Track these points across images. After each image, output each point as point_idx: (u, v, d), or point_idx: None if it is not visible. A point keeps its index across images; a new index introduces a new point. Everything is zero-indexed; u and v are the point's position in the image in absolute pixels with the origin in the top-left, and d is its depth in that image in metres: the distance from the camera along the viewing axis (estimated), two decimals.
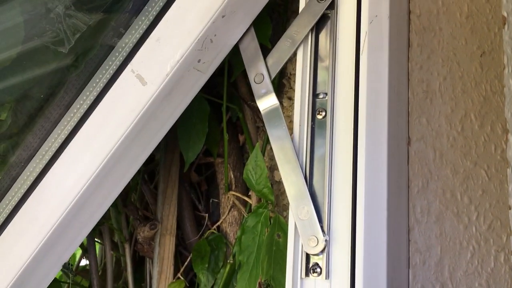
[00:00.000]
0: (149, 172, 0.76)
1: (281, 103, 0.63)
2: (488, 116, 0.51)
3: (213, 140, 0.65)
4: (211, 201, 0.70)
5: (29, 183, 0.49)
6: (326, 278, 0.41)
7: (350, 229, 0.41)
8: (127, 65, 0.45)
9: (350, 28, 0.44)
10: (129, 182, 0.50)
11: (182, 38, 0.45)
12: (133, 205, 0.69)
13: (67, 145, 0.48)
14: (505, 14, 0.54)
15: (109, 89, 0.46)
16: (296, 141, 0.45)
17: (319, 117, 0.45)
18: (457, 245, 0.47)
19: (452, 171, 0.48)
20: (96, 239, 0.75)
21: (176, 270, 0.67)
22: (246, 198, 0.60)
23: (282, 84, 0.63)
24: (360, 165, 0.42)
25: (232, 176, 0.64)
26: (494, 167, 0.50)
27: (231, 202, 0.63)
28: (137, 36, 0.45)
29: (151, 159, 0.74)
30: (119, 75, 0.46)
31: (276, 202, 0.56)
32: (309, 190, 0.44)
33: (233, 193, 0.62)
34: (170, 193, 0.65)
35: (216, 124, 0.66)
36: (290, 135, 0.46)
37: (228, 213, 0.64)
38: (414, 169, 0.47)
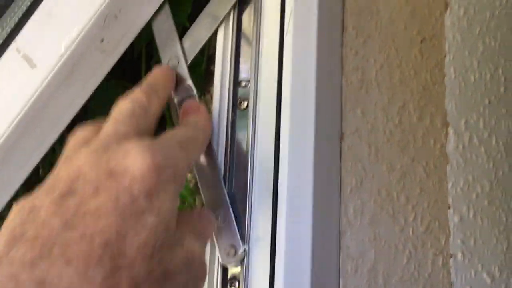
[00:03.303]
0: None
1: (209, 92, 0.57)
2: (428, 107, 0.47)
3: None
4: None
5: None
6: None
7: (270, 236, 0.36)
8: (10, 43, 0.38)
9: (274, 5, 0.38)
10: None
11: (80, 11, 0.38)
12: None
13: None
14: None
15: None
16: (215, 137, 0.39)
17: (241, 108, 0.40)
18: (393, 249, 0.43)
19: (388, 168, 0.44)
20: None
21: None
22: None
23: (210, 71, 0.57)
24: (282, 164, 0.37)
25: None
26: (433, 163, 0.47)
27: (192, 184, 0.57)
28: (23, 8, 0.38)
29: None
30: (1, 56, 0.38)
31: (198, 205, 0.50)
32: (228, 193, 0.38)
33: None
34: None
35: None
36: None
37: (190, 195, 0.57)
38: (347, 166, 0.42)
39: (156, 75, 0.37)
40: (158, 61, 0.54)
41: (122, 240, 0.22)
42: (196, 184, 0.53)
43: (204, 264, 0.28)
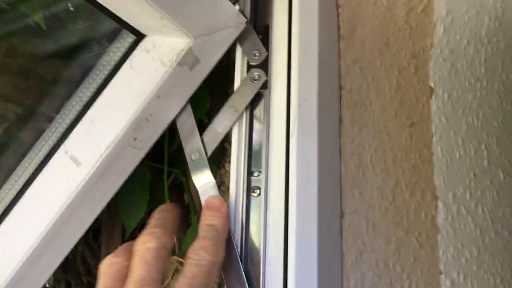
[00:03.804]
0: (93, 231, 0.74)
1: (224, 166, 0.64)
2: (418, 184, 0.54)
3: (157, 202, 0.64)
4: None
5: None
6: None
7: None
8: (60, 147, 0.45)
9: (281, 111, 0.45)
10: None
11: (116, 119, 0.45)
12: (74, 270, 0.67)
13: None
14: (433, 85, 0.57)
15: (41, 170, 0.46)
16: (232, 220, 0.46)
17: (254, 195, 0.46)
18: None
19: (384, 241, 0.50)
20: None
21: None
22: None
23: (224, 148, 0.64)
24: (290, 242, 0.43)
25: (175, 239, 0.64)
26: (425, 234, 0.53)
27: (174, 267, 0.62)
28: (70, 118, 0.45)
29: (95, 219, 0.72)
30: (52, 157, 0.45)
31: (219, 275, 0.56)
32: (243, 269, 0.44)
33: (176, 258, 0.62)
34: None
35: (161, 186, 0.66)
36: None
37: (171, 277, 0.63)
38: (348, 241, 0.48)
39: (167, 214, 0.44)
40: (179, 143, 0.61)
41: None
42: None
43: None
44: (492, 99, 0.61)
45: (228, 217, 0.44)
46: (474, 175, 0.57)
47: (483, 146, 0.59)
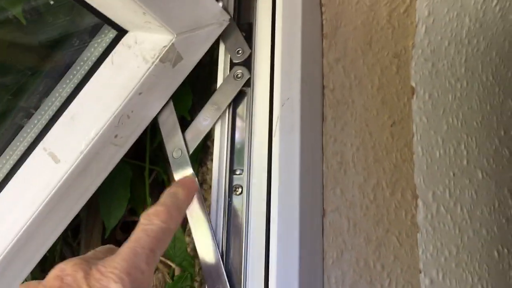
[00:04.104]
0: (72, 229, 0.73)
1: (205, 164, 0.64)
2: (399, 183, 0.54)
3: (138, 200, 0.64)
4: None
5: None
6: None
7: None
8: (38, 143, 0.44)
9: (263, 109, 0.45)
10: None
11: (97, 115, 0.44)
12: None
13: None
14: (414, 85, 0.58)
15: (19, 167, 0.45)
16: (214, 219, 0.46)
17: (236, 193, 0.46)
18: None
19: (365, 240, 0.50)
20: None
21: None
22: (170, 262, 0.59)
23: (206, 145, 0.63)
24: (272, 241, 0.43)
25: None
26: (405, 232, 0.53)
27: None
28: (49, 114, 0.44)
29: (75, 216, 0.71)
30: (30, 154, 0.44)
31: (200, 272, 0.56)
32: (225, 269, 0.44)
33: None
34: None
35: (142, 183, 0.65)
36: (208, 211, 0.46)
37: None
38: (329, 240, 0.49)
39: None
40: (161, 140, 0.61)
41: None
42: (195, 255, 0.59)
43: None
44: (471, 99, 0.62)
45: (193, 193, 0.43)
46: (454, 174, 0.58)
47: (462, 146, 0.60)
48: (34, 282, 0.33)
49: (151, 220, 0.36)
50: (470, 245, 0.57)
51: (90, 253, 0.37)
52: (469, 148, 0.60)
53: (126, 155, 0.57)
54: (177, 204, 0.40)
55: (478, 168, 0.61)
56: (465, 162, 0.60)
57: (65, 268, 0.31)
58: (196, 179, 0.46)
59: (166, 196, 0.40)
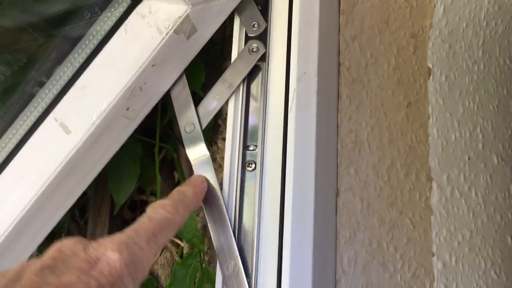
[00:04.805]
0: (80, 207, 0.73)
1: (216, 143, 0.63)
2: (413, 165, 0.53)
3: (147, 178, 0.63)
4: None
5: None
6: None
7: (276, 285, 0.41)
8: (49, 113, 0.43)
9: (279, 83, 0.44)
10: None
11: (109, 87, 0.44)
12: None
13: None
14: (430, 66, 0.57)
15: (30, 137, 0.44)
16: (226, 194, 0.45)
17: (249, 169, 0.45)
18: None
19: (378, 221, 0.50)
20: None
21: None
22: (178, 241, 0.59)
23: (217, 124, 0.62)
24: (286, 220, 0.42)
25: None
26: (418, 215, 0.52)
27: None
28: (61, 84, 0.43)
29: (83, 194, 0.71)
30: (41, 124, 0.44)
31: (209, 251, 0.55)
32: (237, 245, 0.43)
33: None
34: (100, 234, 0.63)
35: (151, 162, 0.64)
36: (220, 187, 0.45)
37: (160, 255, 0.62)
38: (342, 220, 0.48)
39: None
40: (172, 116, 0.60)
41: None
42: (207, 233, 0.59)
43: None
44: (488, 83, 0.61)
45: (202, 194, 0.43)
46: (469, 158, 0.57)
47: (478, 130, 0.59)
48: (33, 259, 0.33)
49: (156, 210, 0.36)
50: (484, 230, 0.56)
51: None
52: (484, 132, 0.59)
53: (136, 132, 0.56)
54: (184, 200, 0.40)
55: (493, 152, 0.59)
56: (480, 146, 0.58)
57: (65, 242, 0.31)
58: (206, 179, 0.45)
59: (174, 193, 0.40)
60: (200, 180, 0.44)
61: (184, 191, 0.41)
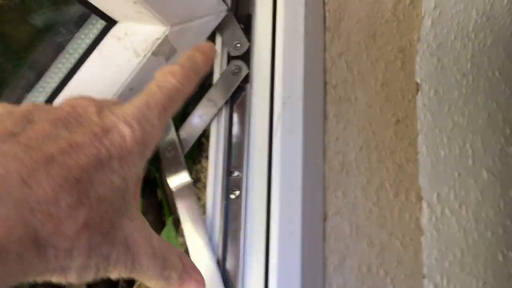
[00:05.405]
0: None
1: (199, 162, 0.61)
2: (403, 184, 0.52)
3: None
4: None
5: None
6: None
7: None
8: None
9: (263, 106, 0.42)
10: None
11: (103, 89, 0.41)
12: None
13: None
14: (419, 81, 0.55)
15: None
16: (209, 221, 0.43)
17: (233, 196, 0.43)
18: None
19: (368, 244, 0.48)
20: None
21: None
22: None
23: (201, 143, 0.60)
24: (272, 248, 0.41)
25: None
26: (409, 236, 0.51)
27: None
28: (48, 90, 0.41)
29: None
30: None
31: None
32: (221, 276, 0.41)
33: None
34: None
35: None
36: (203, 214, 0.43)
37: None
38: (330, 245, 0.46)
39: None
40: None
41: (90, 185, 0.25)
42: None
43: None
44: (477, 96, 0.60)
45: (211, 60, 0.38)
46: (459, 174, 0.56)
47: (468, 145, 0.57)
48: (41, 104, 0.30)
49: (166, 77, 0.33)
50: (475, 248, 0.55)
51: (100, 98, 0.34)
52: (474, 147, 0.58)
53: None
54: (195, 68, 0.36)
55: (483, 168, 0.58)
56: (470, 162, 0.57)
57: (79, 99, 0.29)
58: (214, 45, 0.42)
59: (184, 58, 0.37)
60: (210, 46, 0.40)
61: (194, 56, 0.37)
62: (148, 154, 0.30)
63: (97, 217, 0.25)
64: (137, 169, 0.28)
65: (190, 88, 0.35)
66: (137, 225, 0.28)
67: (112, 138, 0.27)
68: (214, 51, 0.40)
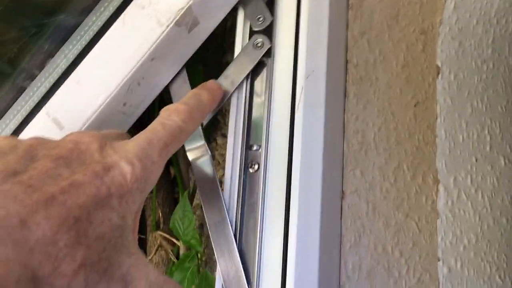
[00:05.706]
0: None
1: (214, 140, 0.61)
2: (420, 166, 0.51)
3: None
4: (137, 237, 0.66)
5: None
6: None
7: None
8: (41, 108, 0.41)
9: (285, 81, 0.42)
10: None
11: (106, 81, 0.41)
12: None
13: None
14: (439, 64, 0.55)
15: (20, 132, 0.42)
16: (227, 196, 0.43)
17: (251, 170, 0.43)
18: None
19: (384, 224, 0.48)
20: None
21: None
22: (175, 240, 0.57)
23: (216, 120, 0.60)
24: (292, 223, 0.41)
25: (160, 213, 0.61)
26: (424, 218, 0.50)
27: (158, 242, 0.59)
28: (54, 77, 0.41)
29: None
30: (32, 118, 0.41)
31: (206, 250, 0.53)
32: (238, 248, 0.41)
33: (161, 233, 0.59)
34: None
35: None
36: (221, 187, 0.43)
37: (155, 253, 0.60)
38: (347, 223, 0.46)
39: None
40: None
41: (89, 224, 0.25)
42: (204, 231, 0.56)
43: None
44: (497, 82, 0.59)
45: (218, 99, 0.40)
46: (476, 160, 0.55)
47: (486, 131, 0.57)
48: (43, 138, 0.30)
49: (170, 116, 0.34)
50: (490, 234, 0.55)
51: (104, 131, 0.34)
52: (492, 133, 0.57)
53: (132, 127, 0.54)
54: (200, 106, 0.37)
55: (500, 154, 0.58)
56: (488, 148, 0.57)
57: (82, 136, 0.30)
58: (220, 86, 0.43)
59: (189, 96, 0.38)
60: (216, 85, 0.42)
61: (200, 95, 0.39)
62: (148, 189, 0.30)
63: (95, 255, 0.25)
64: (136, 206, 0.29)
65: (193, 126, 0.36)
66: (134, 261, 0.28)
67: (113, 176, 0.27)
68: (220, 90, 0.42)
